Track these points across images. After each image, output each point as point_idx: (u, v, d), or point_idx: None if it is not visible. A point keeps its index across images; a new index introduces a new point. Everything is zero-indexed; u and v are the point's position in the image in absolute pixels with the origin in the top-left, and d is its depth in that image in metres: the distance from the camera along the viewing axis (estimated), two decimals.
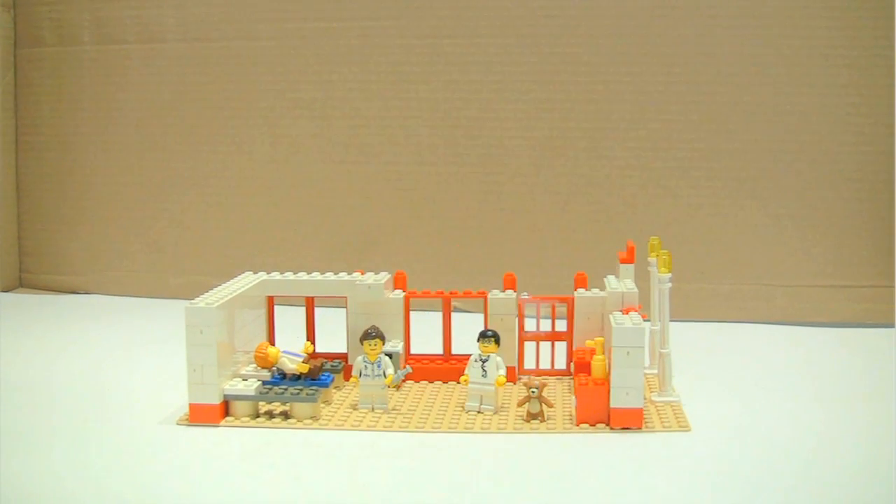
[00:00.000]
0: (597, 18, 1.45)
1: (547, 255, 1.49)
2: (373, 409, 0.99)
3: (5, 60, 1.63)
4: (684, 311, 1.45)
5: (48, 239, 1.67)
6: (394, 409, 1.00)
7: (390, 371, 0.99)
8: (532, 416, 0.96)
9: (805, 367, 1.20)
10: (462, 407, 1.00)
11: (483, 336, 0.99)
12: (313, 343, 1.12)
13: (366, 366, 0.99)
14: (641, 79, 1.45)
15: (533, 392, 0.96)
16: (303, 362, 1.00)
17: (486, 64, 1.48)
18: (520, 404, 0.98)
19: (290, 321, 1.18)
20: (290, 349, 1.02)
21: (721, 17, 1.42)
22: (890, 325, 1.38)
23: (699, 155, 1.44)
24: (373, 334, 0.99)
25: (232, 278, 1.09)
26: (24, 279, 1.69)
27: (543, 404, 0.97)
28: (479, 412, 0.99)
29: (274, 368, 1.01)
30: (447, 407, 1.01)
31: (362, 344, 0.99)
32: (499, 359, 0.99)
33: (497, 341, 0.99)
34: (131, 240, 1.62)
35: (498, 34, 1.47)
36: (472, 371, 1.00)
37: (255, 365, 1.02)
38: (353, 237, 1.54)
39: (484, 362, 0.99)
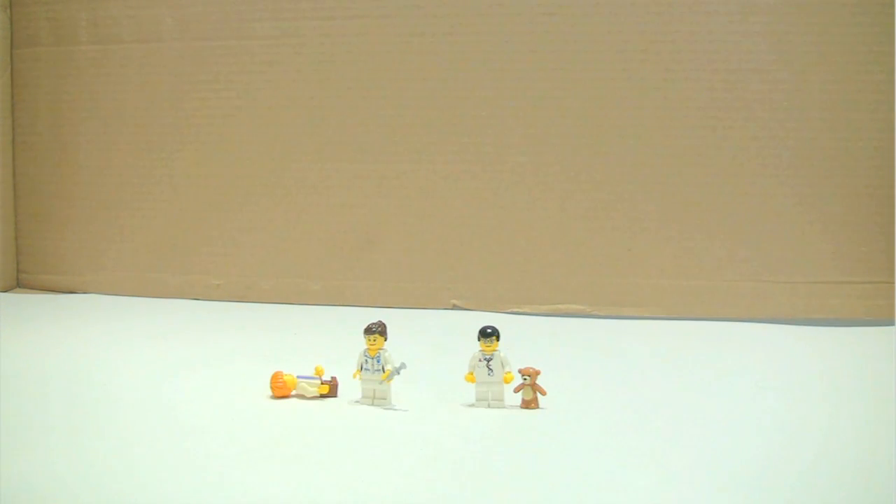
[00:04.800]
0: (594, 16, 1.45)
1: (545, 252, 1.49)
2: (373, 404, 0.99)
3: (2, 60, 1.63)
4: (682, 308, 1.45)
5: (46, 239, 1.66)
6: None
7: (389, 366, 0.99)
8: (526, 404, 0.98)
9: (804, 364, 1.20)
10: (468, 404, 1.00)
11: (484, 335, 0.98)
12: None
13: (366, 360, 0.99)
14: (639, 76, 1.44)
15: (526, 380, 0.98)
16: (322, 383, 1.01)
17: (483, 61, 1.48)
18: (516, 391, 0.99)
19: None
20: (302, 373, 1.02)
21: (719, 13, 1.42)
22: (890, 322, 1.37)
23: (697, 151, 1.44)
24: (374, 329, 0.99)
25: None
26: (22, 279, 1.68)
27: (537, 392, 0.98)
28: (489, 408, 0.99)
29: (293, 395, 1.01)
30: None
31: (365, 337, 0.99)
32: (503, 355, 0.99)
33: (498, 338, 0.99)
34: (129, 239, 1.62)
35: (495, 31, 1.47)
36: (477, 371, 0.99)
37: None
38: (351, 236, 1.54)
39: (489, 361, 0.98)
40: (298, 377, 1.01)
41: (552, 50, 1.46)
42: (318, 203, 1.55)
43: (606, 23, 1.44)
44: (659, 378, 1.12)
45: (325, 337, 1.34)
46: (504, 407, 0.99)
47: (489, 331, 0.98)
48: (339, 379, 1.03)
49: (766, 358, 1.23)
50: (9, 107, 1.65)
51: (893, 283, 1.40)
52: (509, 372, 0.98)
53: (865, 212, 1.42)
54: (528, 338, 1.34)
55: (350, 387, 1.05)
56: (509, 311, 1.49)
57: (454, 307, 1.51)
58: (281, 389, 1.01)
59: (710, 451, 0.88)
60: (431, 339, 1.31)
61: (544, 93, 1.47)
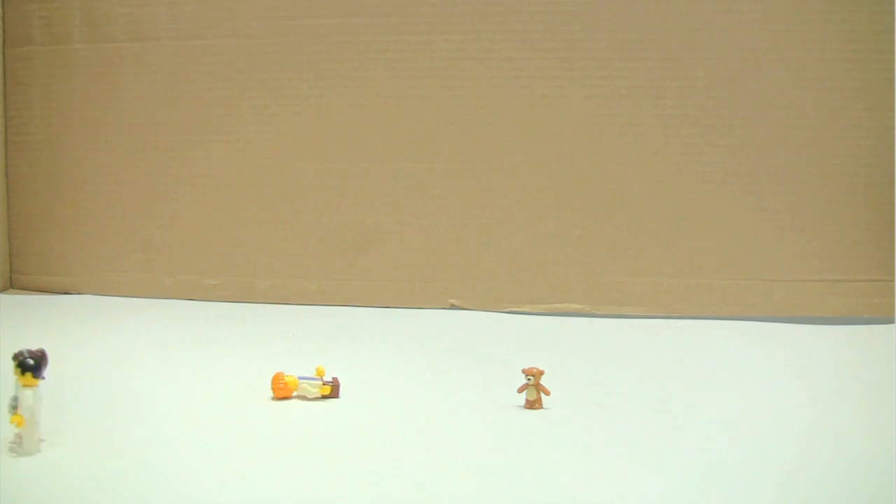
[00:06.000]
0: (592, 14, 1.44)
1: (544, 251, 1.48)
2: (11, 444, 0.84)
3: None
4: (681, 307, 1.45)
5: (39, 239, 1.65)
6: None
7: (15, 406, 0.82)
8: (530, 405, 0.98)
9: (804, 362, 1.20)
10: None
11: (23, 365, 0.81)
12: None
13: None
14: (637, 74, 1.44)
15: (529, 380, 0.98)
16: (323, 384, 1.00)
17: (481, 60, 1.48)
18: (519, 391, 0.99)
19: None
20: (303, 374, 1.01)
21: (717, 10, 1.42)
22: (890, 320, 1.37)
23: (695, 150, 1.44)
24: (14, 355, 0.82)
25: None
26: (15, 280, 1.67)
27: (540, 392, 0.98)
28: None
29: (294, 396, 1.00)
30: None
31: None
32: (28, 392, 0.82)
33: (35, 373, 0.81)
34: (124, 240, 1.61)
35: (493, 30, 1.47)
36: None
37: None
38: (348, 236, 1.53)
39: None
40: (300, 378, 1.01)
41: (550, 48, 1.46)
42: (315, 202, 1.54)
43: (604, 20, 1.44)
44: (659, 377, 1.12)
45: (323, 337, 1.33)
46: (24, 452, 0.83)
47: (28, 362, 0.82)
48: (340, 380, 1.02)
49: (765, 356, 1.22)
50: (1, 106, 1.63)
51: (893, 280, 1.41)
52: (18, 414, 0.82)
53: (864, 209, 1.42)
54: (526, 337, 1.33)
55: (351, 386, 1.05)
56: (508, 310, 1.48)
57: (452, 307, 1.51)
58: (282, 391, 1.00)
59: (711, 450, 0.88)
60: (429, 340, 1.31)
61: (542, 91, 1.47)
